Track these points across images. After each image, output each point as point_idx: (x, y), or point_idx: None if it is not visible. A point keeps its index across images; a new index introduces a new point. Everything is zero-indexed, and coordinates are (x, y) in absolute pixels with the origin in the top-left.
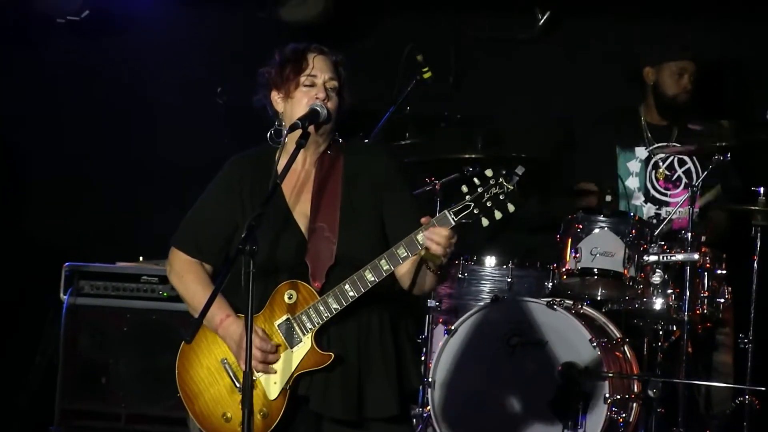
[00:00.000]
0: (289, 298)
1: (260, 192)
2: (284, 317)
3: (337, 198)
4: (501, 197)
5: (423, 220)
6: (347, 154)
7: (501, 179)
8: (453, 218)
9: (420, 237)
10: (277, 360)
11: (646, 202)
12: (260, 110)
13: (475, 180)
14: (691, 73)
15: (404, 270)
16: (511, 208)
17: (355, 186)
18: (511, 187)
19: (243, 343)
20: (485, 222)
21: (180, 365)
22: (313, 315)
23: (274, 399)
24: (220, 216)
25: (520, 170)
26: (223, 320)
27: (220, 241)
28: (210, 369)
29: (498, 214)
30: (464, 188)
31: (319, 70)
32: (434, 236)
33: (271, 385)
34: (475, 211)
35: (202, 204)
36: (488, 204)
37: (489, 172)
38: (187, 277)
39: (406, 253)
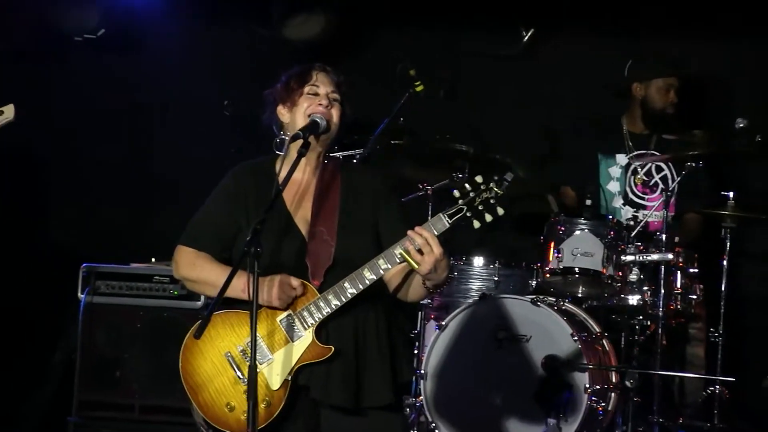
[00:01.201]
0: None
1: (263, 198)
2: (286, 313)
3: (335, 206)
4: (491, 201)
5: (416, 228)
6: (346, 169)
7: (492, 184)
8: (447, 220)
9: (397, 250)
10: (273, 357)
11: (624, 204)
12: (268, 128)
13: (467, 185)
14: (676, 88)
15: (392, 274)
16: (500, 211)
17: (352, 197)
18: (501, 192)
19: (274, 280)
20: (476, 224)
21: (184, 359)
22: (314, 311)
23: (277, 389)
24: (224, 218)
25: (509, 176)
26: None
27: (223, 243)
28: (214, 362)
29: (489, 217)
30: (456, 193)
31: (321, 83)
32: (415, 236)
33: (274, 376)
34: (467, 214)
35: (207, 208)
36: (480, 207)
37: (480, 178)
38: (198, 261)
39: (386, 265)
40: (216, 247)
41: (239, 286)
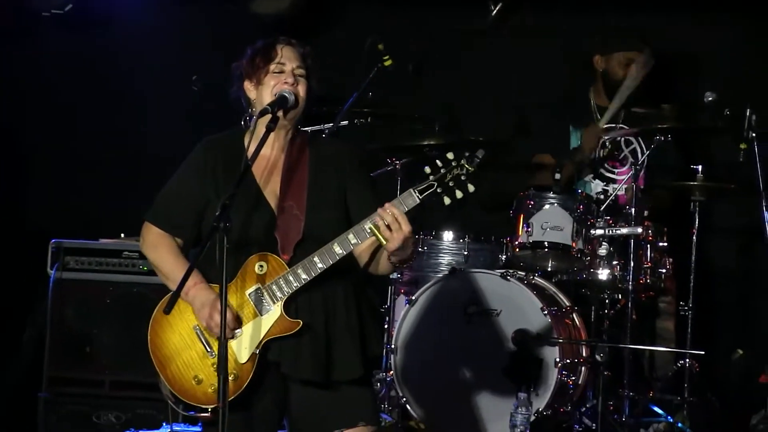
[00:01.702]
0: (260, 269)
1: (232, 172)
2: (255, 287)
3: (304, 180)
4: (462, 178)
5: (386, 204)
6: (314, 142)
7: (463, 161)
8: (418, 196)
9: (367, 225)
10: (242, 330)
11: (594, 178)
12: (235, 101)
13: (438, 162)
14: (631, 60)
15: (362, 248)
16: (471, 188)
17: (321, 171)
18: (472, 169)
19: (203, 310)
20: (447, 201)
21: (152, 332)
22: (283, 285)
23: (244, 362)
24: (192, 193)
25: (480, 153)
26: (195, 284)
27: (192, 217)
28: (182, 335)
29: (459, 194)
30: (427, 169)
31: (287, 59)
32: (384, 213)
33: (242, 349)
34: (438, 191)
35: (174, 182)
36: (450, 184)
37: (451, 155)
38: (160, 248)
39: (355, 240)
40: (185, 225)
41: (187, 285)
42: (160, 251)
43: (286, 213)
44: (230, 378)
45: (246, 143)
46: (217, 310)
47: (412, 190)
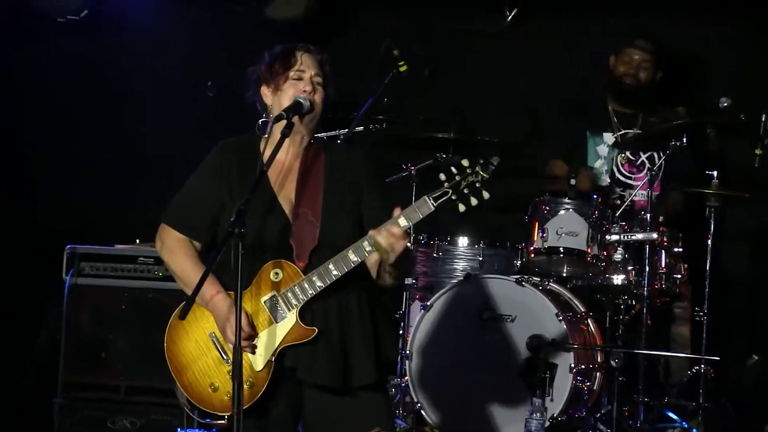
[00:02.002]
0: (276, 276)
1: (247, 177)
2: (270, 294)
3: (320, 187)
4: (477, 185)
5: (395, 211)
6: (329, 149)
7: (477, 168)
8: (432, 203)
9: (365, 244)
10: (257, 339)
11: (611, 184)
12: (250, 105)
13: (453, 169)
14: (640, 62)
15: (373, 260)
16: (486, 195)
17: (336, 178)
18: (487, 176)
19: (230, 318)
20: (462, 208)
21: (168, 339)
22: (299, 292)
23: (260, 370)
24: (209, 196)
25: (495, 160)
26: (214, 296)
27: (208, 220)
28: (198, 342)
29: (474, 201)
30: (442, 176)
31: (306, 66)
32: (381, 232)
33: (258, 357)
34: (452, 198)
35: (191, 184)
36: (465, 191)
37: (465, 162)
38: (178, 255)
39: (355, 258)
40: (201, 227)
41: (206, 296)
42: (178, 256)
43: (301, 219)
44: (246, 385)
45: (261, 148)
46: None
47: (426, 197)
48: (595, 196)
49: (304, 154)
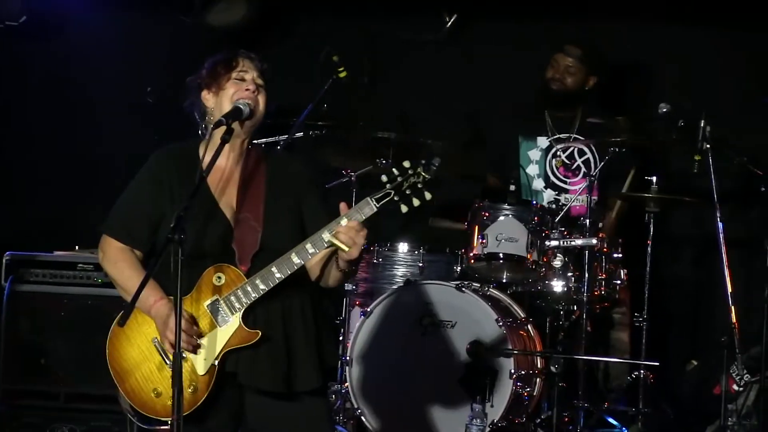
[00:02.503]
0: (218, 280)
1: (186, 183)
2: (213, 298)
3: (261, 193)
4: (419, 186)
5: (342, 206)
6: (269, 156)
7: (419, 169)
8: (375, 204)
9: (325, 235)
10: (200, 341)
11: (546, 188)
12: (188, 115)
13: (394, 170)
14: (567, 66)
15: (313, 262)
16: (428, 195)
17: (277, 184)
18: (429, 177)
19: (170, 324)
20: (404, 209)
21: (110, 345)
22: (241, 295)
23: (203, 374)
24: (148, 205)
25: (436, 161)
26: (156, 302)
27: (148, 229)
28: (141, 348)
29: (416, 201)
30: (384, 178)
31: (248, 68)
32: (341, 229)
33: (200, 361)
34: (395, 198)
35: (129, 193)
36: (407, 192)
37: (407, 163)
38: (120, 263)
39: (313, 249)
40: (142, 236)
41: (149, 302)
42: (120, 266)
43: (242, 224)
44: (189, 390)
45: (201, 154)
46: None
47: (369, 198)
48: (534, 202)
49: (245, 159)
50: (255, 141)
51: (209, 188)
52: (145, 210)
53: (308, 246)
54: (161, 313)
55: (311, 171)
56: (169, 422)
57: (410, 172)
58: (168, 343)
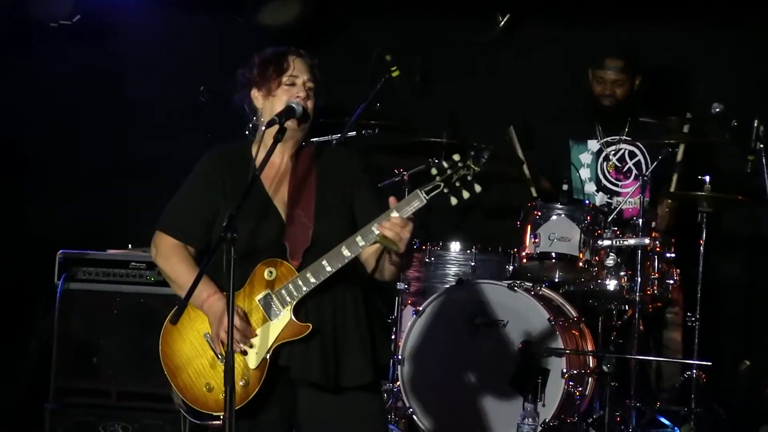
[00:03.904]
0: (269, 275)
1: (239, 182)
2: (264, 292)
3: (312, 189)
4: (468, 178)
5: (391, 200)
6: (321, 152)
7: (469, 161)
8: (424, 196)
9: (374, 228)
10: (254, 337)
11: (597, 191)
12: (239, 108)
13: (444, 163)
14: (611, 81)
15: (368, 254)
16: (477, 188)
17: (328, 180)
18: (478, 169)
19: (223, 321)
20: (453, 201)
21: (163, 341)
22: (292, 289)
23: (255, 368)
24: (201, 202)
25: (486, 154)
26: (209, 296)
27: (202, 226)
28: (193, 343)
29: (466, 194)
30: (434, 170)
31: (299, 71)
32: (385, 223)
33: (252, 355)
34: (444, 191)
35: (183, 192)
36: (457, 184)
37: (457, 156)
38: (173, 258)
39: (363, 242)
40: (195, 233)
41: (202, 297)
42: (173, 261)
43: (294, 221)
44: (241, 383)
45: (254, 153)
46: (234, 326)
47: (418, 190)
48: (587, 202)
49: (298, 157)
50: (309, 139)
51: (264, 185)
52: (198, 207)
53: (358, 239)
54: (214, 308)
55: (362, 163)
56: (222, 417)
57: (460, 164)
58: (220, 342)
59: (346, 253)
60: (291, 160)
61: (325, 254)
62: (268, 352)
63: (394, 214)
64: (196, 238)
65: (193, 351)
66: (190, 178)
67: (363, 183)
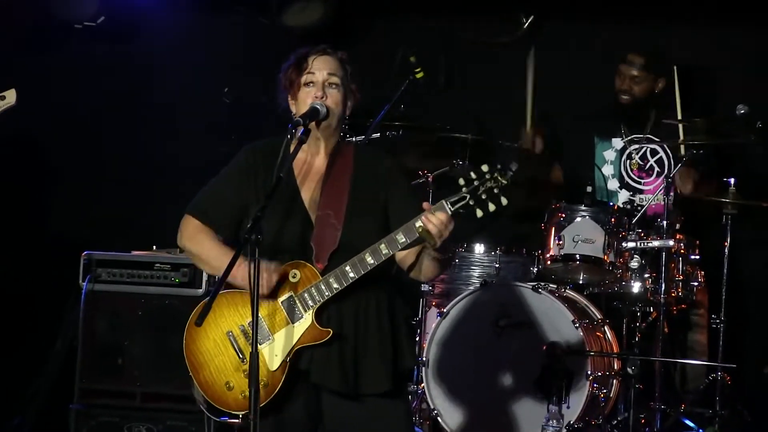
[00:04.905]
0: (293, 277)
1: (272, 179)
2: (288, 294)
3: (345, 190)
4: (495, 191)
5: (424, 205)
6: (357, 153)
7: (496, 174)
8: (450, 208)
9: (417, 223)
10: (273, 337)
11: (621, 188)
12: (265, 111)
13: (471, 174)
14: (629, 77)
15: (405, 254)
16: (504, 201)
17: (362, 182)
18: (505, 182)
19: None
20: (479, 213)
21: (188, 336)
22: (315, 293)
23: (275, 370)
24: (233, 192)
25: (513, 166)
26: (240, 265)
27: (229, 215)
28: (216, 341)
29: (492, 207)
30: (461, 181)
31: (317, 69)
32: (431, 218)
33: (273, 357)
34: (470, 203)
35: (217, 180)
36: (483, 196)
37: (485, 167)
38: (200, 236)
39: (404, 239)
40: (223, 221)
41: (238, 274)
42: (199, 238)
43: (323, 222)
44: (260, 384)
45: (291, 153)
46: (263, 270)
47: (444, 201)
48: (611, 204)
49: (333, 157)
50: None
51: (296, 184)
52: (229, 196)
53: (382, 247)
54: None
55: (397, 163)
56: (241, 416)
57: (487, 176)
58: (243, 339)
59: (369, 260)
60: (326, 159)
61: (349, 260)
62: (288, 355)
63: (417, 224)
64: (222, 225)
65: (216, 348)
66: (226, 168)
67: (399, 183)
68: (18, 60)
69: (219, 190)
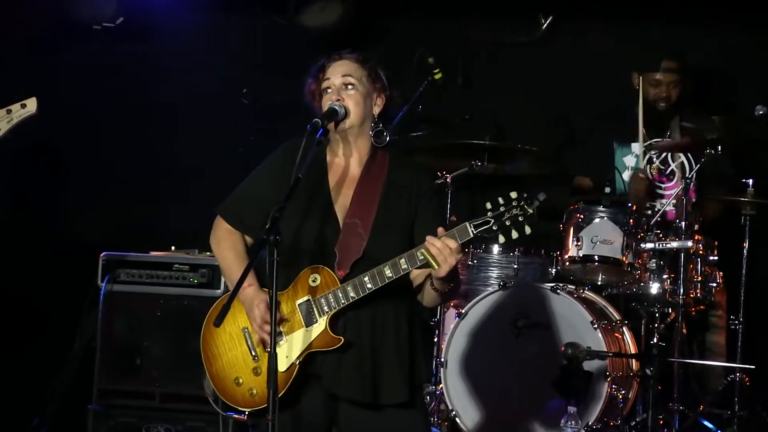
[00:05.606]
0: (313, 282)
1: (306, 182)
2: (305, 298)
3: (375, 200)
4: (520, 219)
5: (439, 230)
6: (393, 163)
7: (523, 202)
8: (473, 230)
9: (419, 252)
10: (285, 338)
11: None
12: (286, 113)
13: (500, 199)
14: (670, 82)
15: (416, 274)
16: (527, 230)
17: (394, 193)
18: (531, 211)
19: (254, 311)
20: (501, 239)
21: (206, 328)
22: (331, 300)
23: (283, 371)
24: (266, 193)
25: (541, 196)
26: (246, 288)
27: (260, 217)
28: (231, 335)
29: (515, 234)
30: (488, 204)
31: (332, 74)
32: (436, 242)
33: (283, 358)
34: (493, 228)
35: (251, 180)
36: (507, 223)
37: (513, 194)
38: (224, 243)
39: (422, 253)
40: (254, 223)
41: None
42: (223, 246)
43: (350, 229)
44: (266, 384)
45: (327, 156)
46: (262, 301)
47: (468, 224)
48: (629, 204)
49: (369, 164)
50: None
51: (329, 186)
52: (262, 198)
53: (402, 261)
54: (247, 298)
55: (431, 182)
56: (246, 413)
57: (514, 203)
58: (252, 319)
59: (388, 273)
60: (361, 165)
61: (369, 271)
62: (298, 358)
63: (419, 252)
64: (253, 228)
65: (230, 342)
66: (260, 168)
67: (427, 201)
68: (37, 62)
69: (251, 190)
